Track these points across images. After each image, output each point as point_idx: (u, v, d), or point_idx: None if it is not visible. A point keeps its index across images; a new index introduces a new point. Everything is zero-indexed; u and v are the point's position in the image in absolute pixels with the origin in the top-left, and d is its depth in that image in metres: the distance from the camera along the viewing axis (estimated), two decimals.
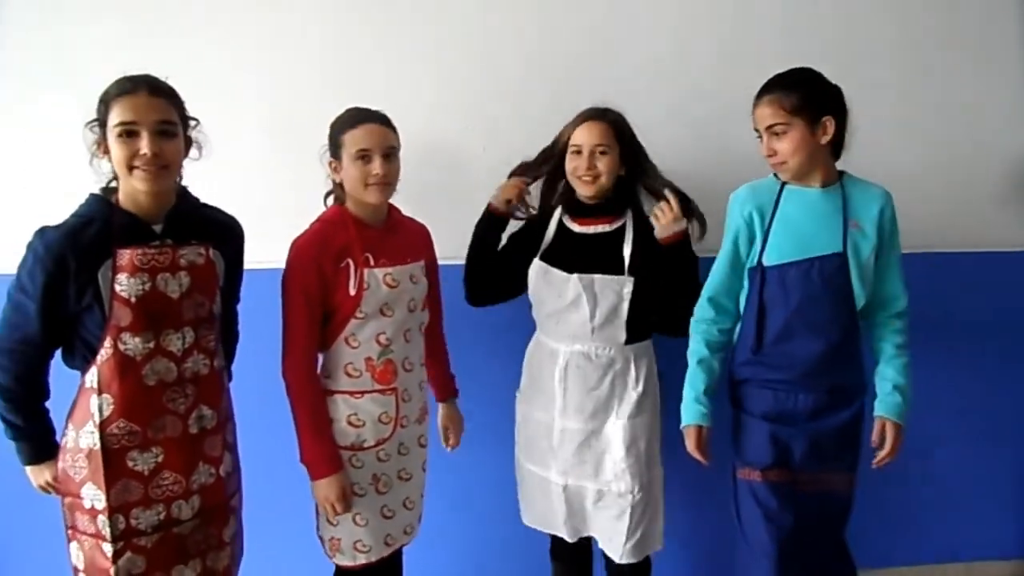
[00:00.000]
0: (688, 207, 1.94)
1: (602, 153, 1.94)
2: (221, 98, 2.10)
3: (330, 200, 1.95)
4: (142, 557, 1.62)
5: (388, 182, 1.85)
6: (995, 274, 2.48)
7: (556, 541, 2.14)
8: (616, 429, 1.95)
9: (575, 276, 1.93)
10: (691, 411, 1.87)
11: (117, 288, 1.55)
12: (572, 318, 1.95)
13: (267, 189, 2.25)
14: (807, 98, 1.76)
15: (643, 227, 1.97)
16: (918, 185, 2.28)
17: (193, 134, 1.67)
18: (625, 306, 1.92)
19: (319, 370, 1.88)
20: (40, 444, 1.66)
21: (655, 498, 2.01)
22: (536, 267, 2.00)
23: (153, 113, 1.53)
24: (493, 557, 2.44)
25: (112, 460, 1.58)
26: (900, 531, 2.55)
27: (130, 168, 1.53)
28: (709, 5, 2.35)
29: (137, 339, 1.57)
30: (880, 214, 1.81)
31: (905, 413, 1.84)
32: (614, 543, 1.98)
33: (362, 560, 1.90)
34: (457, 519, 2.39)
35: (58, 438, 1.66)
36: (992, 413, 2.53)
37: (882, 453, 1.85)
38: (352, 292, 1.82)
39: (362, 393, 1.87)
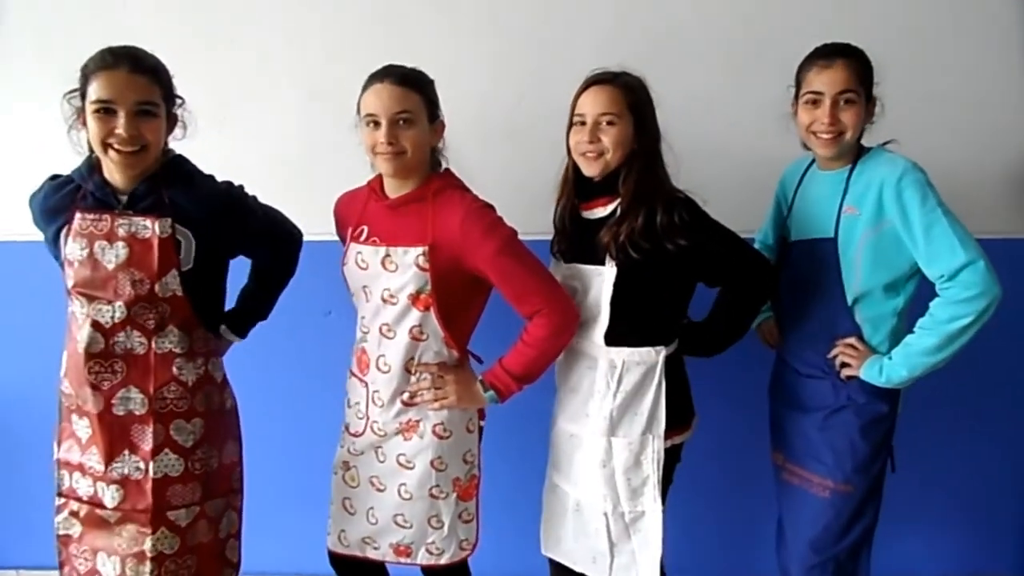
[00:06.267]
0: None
1: (609, 124, 1.62)
2: (264, 64, 2.20)
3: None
4: (77, 523, 1.61)
5: (399, 151, 1.57)
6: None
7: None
8: (591, 441, 1.71)
9: (564, 265, 1.76)
10: None
11: (66, 250, 1.55)
12: None
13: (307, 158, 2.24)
14: (870, 73, 1.69)
15: (638, 208, 1.61)
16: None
17: (179, 112, 1.60)
18: (605, 300, 1.65)
19: None
20: None
21: (642, 533, 1.70)
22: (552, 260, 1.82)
23: (132, 93, 1.45)
24: None
25: (63, 416, 1.62)
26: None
27: (105, 146, 1.47)
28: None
29: (78, 303, 1.56)
30: (879, 196, 1.61)
31: (876, 370, 1.64)
32: (599, 565, 1.75)
33: (328, 541, 1.79)
34: None
35: None
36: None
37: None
38: (343, 263, 1.72)
39: (350, 373, 1.77)
